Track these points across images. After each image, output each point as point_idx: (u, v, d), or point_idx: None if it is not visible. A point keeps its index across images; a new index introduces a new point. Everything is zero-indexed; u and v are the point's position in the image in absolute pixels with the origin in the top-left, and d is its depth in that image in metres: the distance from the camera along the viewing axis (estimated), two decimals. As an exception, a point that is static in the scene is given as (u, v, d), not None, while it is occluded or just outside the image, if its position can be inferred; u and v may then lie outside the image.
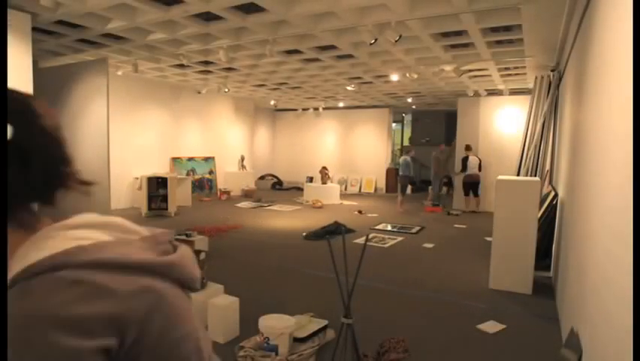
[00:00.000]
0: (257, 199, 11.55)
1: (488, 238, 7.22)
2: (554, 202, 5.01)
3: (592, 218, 2.31)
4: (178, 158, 11.29)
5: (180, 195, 9.69)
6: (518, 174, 6.99)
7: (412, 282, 4.78)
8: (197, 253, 3.59)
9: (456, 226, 8.43)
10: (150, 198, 8.78)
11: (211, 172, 12.32)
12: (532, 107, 7.34)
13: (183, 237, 5.52)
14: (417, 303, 4.15)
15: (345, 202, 11.42)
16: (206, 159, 12.24)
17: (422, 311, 3.94)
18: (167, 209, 8.81)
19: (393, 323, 3.63)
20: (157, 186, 8.86)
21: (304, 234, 7.09)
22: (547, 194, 5.68)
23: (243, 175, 12.85)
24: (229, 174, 12.72)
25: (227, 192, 11.69)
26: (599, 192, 2.12)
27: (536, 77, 7.19)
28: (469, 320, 3.70)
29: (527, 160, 7.13)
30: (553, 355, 2.96)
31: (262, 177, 12.77)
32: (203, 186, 11.99)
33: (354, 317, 2.49)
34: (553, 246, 4.94)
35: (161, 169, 10.25)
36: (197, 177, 11.75)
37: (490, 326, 3.57)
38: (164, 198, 8.85)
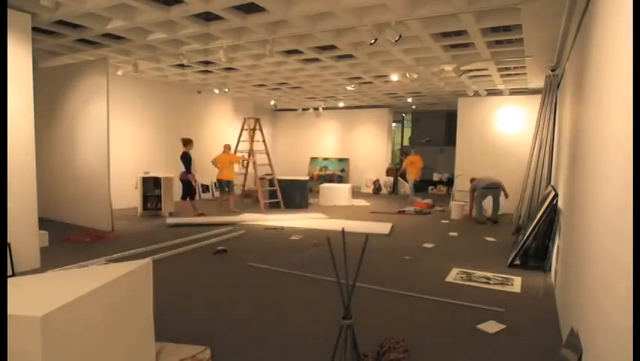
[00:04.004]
0: (256, 199, 11.52)
1: (488, 238, 7.24)
2: (554, 202, 5.01)
3: (592, 218, 2.31)
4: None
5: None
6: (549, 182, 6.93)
7: (411, 282, 4.78)
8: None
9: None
10: (146, 198, 8.77)
11: None
12: (543, 107, 7.28)
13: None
14: (417, 303, 4.15)
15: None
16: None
17: (422, 311, 3.94)
18: (161, 209, 8.81)
19: (393, 322, 3.63)
20: (153, 186, 8.86)
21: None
22: (547, 194, 5.69)
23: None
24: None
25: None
26: (599, 192, 2.12)
27: (547, 76, 7.13)
28: (469, 320, 3.70)
29: (539, 162, 7.11)
30: (553, 355, 2.96)
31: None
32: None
33: (354, 316, 2.49)
34: (554, 246, 4.93)
35: (160, 169, 10.22)
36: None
37: (490, 326, 3.57)
38: (161, 198, 8.85)
